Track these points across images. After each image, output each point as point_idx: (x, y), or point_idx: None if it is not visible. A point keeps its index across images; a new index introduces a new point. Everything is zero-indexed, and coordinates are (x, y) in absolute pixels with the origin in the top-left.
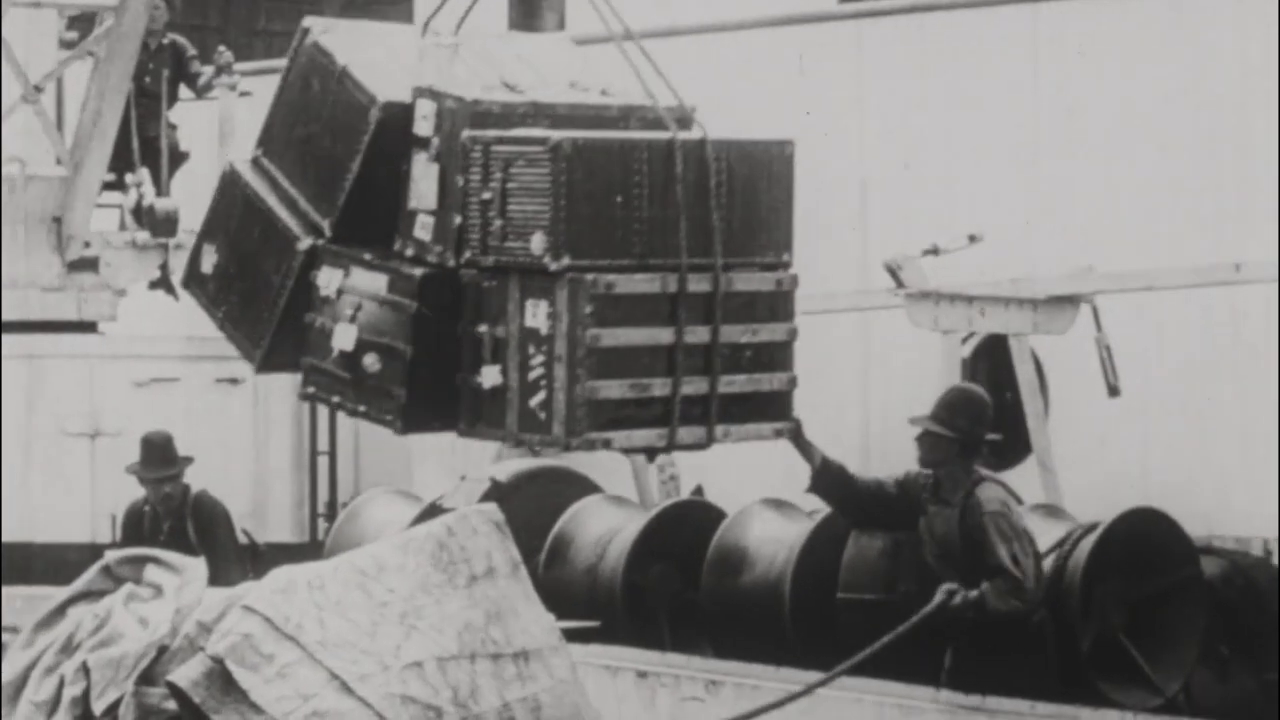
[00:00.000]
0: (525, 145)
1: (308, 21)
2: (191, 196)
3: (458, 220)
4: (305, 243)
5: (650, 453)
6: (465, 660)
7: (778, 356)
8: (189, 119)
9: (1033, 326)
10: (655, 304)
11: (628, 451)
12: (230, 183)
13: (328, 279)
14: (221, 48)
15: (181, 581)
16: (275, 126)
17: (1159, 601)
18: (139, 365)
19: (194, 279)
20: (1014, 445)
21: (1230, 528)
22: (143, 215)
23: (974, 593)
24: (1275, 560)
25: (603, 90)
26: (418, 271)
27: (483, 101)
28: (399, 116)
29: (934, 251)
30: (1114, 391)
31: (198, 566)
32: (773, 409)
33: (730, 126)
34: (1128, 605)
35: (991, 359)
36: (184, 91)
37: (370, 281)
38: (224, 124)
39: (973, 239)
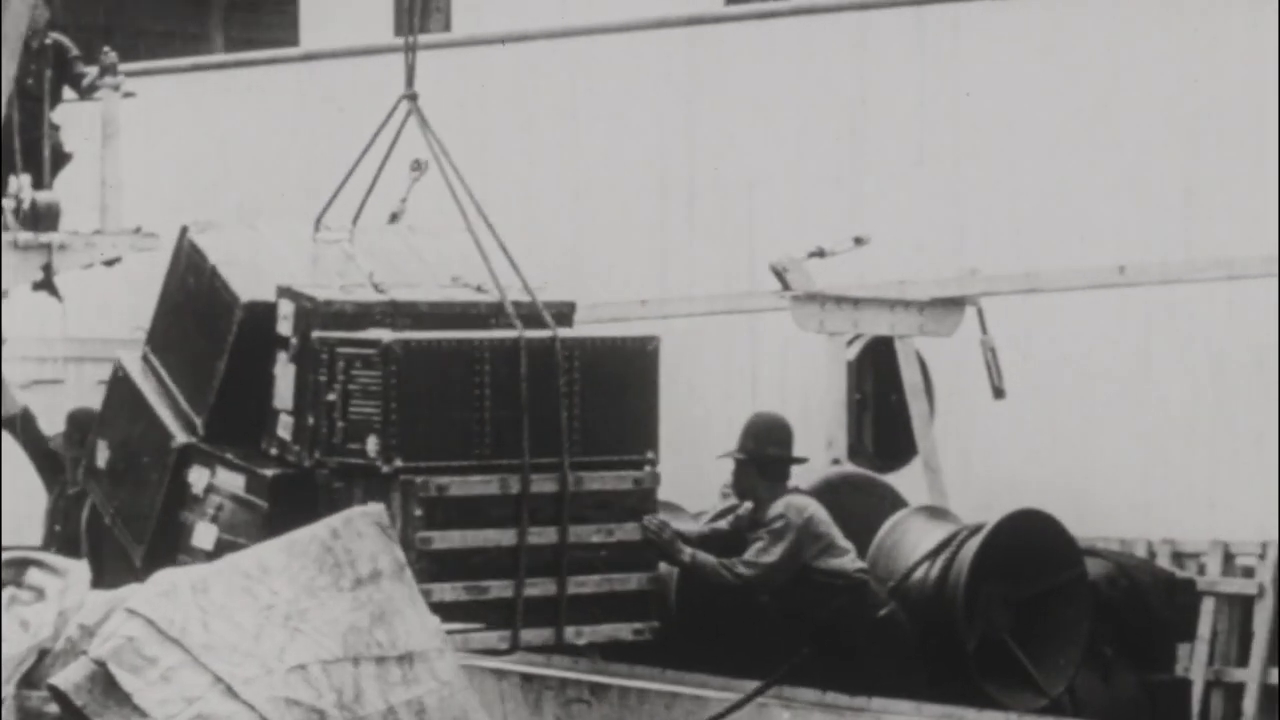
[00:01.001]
0: (361, 347)
1: (187, 221)
2: (74, 198)
3: (311, 420)
4: (179, 440)
5: (495, 654)
6: (349, 663)
7: (636, 556)
8: (72, 120)
9: (918, 329)
10: (497, 505)
11: (469, 654)
12: (118, 379)
13: (197, 477)
14: (106, 48)
15: (64, 584)
16: (159, 323)
17: (1044, 603)
18: (22, 367)
19: (91, 474)
20: (899, 447)
21: (1115, 529)
22: (23, 217)
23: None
24: (1185, 563)
25: (479, 287)
26: (270, 472)
27: (335, 302)
28: (264, 316)
29: (820, 254)
30: (999, 393)
31: (80, 569)
32: (631, 608)
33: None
34: (1012, 606)
35: (877, 361)
36: (67, 92)
37: (231, 481)
38: (107, 125)
39: (858, 241)
